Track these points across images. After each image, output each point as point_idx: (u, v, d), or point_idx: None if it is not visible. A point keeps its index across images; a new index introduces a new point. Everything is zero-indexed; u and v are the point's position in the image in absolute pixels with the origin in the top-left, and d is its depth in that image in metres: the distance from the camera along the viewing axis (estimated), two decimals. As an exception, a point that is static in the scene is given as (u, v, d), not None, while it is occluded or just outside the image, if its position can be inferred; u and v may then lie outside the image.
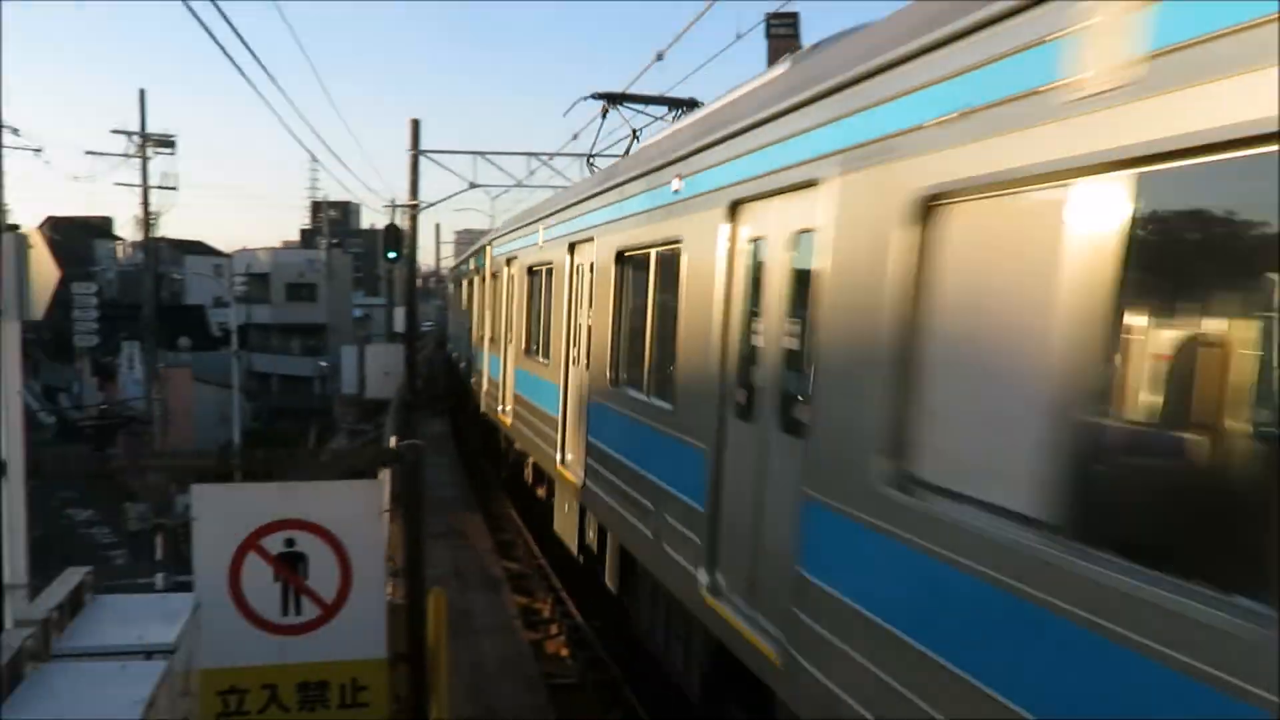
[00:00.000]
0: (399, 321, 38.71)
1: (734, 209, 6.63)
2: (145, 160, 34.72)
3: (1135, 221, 3.30)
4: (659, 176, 8.48)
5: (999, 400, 3.95)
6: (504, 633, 12.26)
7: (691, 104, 16.86)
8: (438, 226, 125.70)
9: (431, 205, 35.59)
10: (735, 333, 6.59)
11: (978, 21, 3.99)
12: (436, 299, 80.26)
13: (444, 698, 5.95)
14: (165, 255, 55.56)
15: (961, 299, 4.17)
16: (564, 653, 13.26)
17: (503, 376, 17.26)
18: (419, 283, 37.35)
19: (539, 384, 13.78)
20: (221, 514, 5.41)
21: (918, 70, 4.46)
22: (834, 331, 5.06)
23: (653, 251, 8.68)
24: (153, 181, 35.36)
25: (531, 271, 15.08)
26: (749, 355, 6.43)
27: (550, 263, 13.43)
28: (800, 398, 5.57)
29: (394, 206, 35.07)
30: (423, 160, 29.84)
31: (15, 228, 4.88)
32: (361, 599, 5.56)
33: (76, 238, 68.23)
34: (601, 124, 19.56)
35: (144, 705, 3.60)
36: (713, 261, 6.85)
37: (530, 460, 15.29)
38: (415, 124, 29.88)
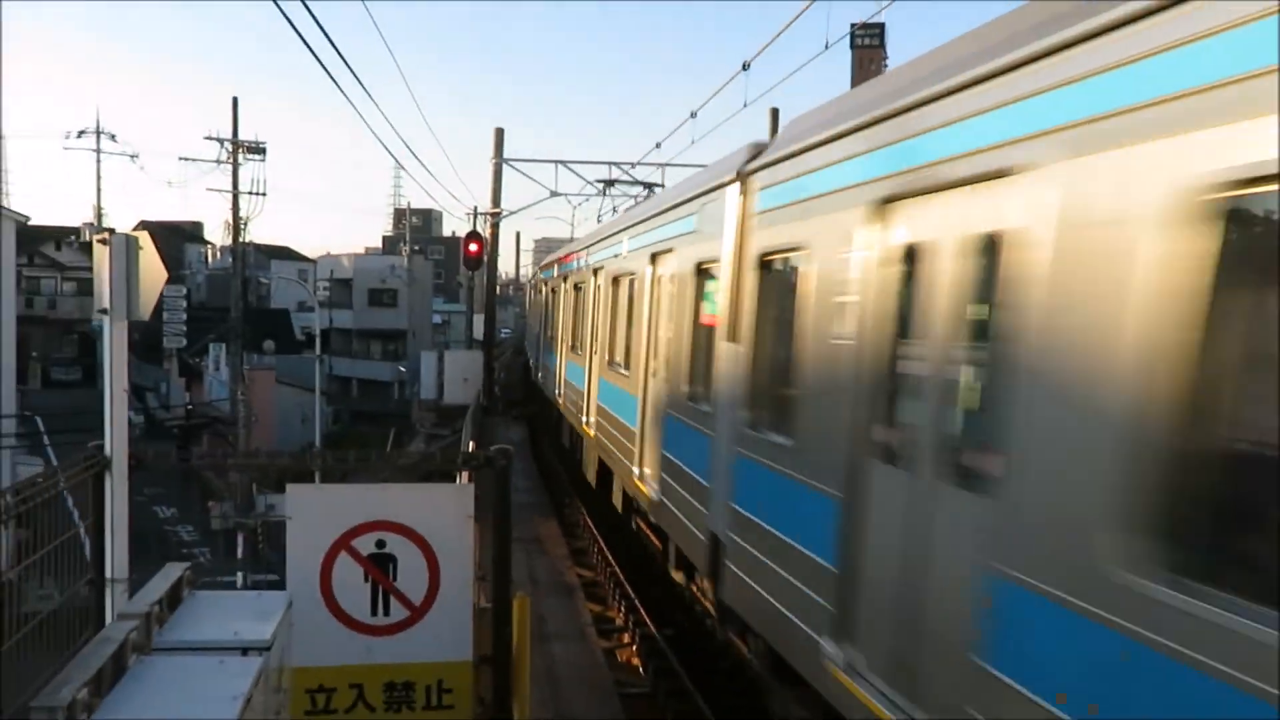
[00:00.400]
0: (478, 328, 39.16)
1: (653, 258, 11.78)
2: (236, 166, 35.54)
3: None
4: (617, 237, 14.92)
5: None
6: (577, 640, 12.28)
7: (657, 186, 26.58)
8: (518, 235, 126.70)
9: (513, 213, 35.97)
10: (654, 330, 11.62)
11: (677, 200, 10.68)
12: (515, 306, 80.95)
13: (526, 702, 5.98)
14: (252, 260, 56.81)
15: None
16: (635, 661, 13.25)
17: (558, 368, 22.46)
18: (498, 290, 37.68)
19: (576, 369, 18.60)
20: (315, 514, 5.49)
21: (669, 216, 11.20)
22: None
23: (626, 278, 13.79)
24: (243, 187, 36.17)
25: (578, 288, 19.79)
26: (659, 341, 11.36)
27: (582, 284, 18.49)
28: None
29: (475, 214, 35.43)
30: (505, 169, 30.16)
31: (110, 231, 5.03)
32: (448, 602, 5.61)
33: (167, 241, 70.05)
34: (603, 198, 30.56)
35: (242, 701, 3.67)
36: (644, 287, 12.14)
37: (570, 425, 20.35)
38: (499, 133, 30.21)
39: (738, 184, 8.06)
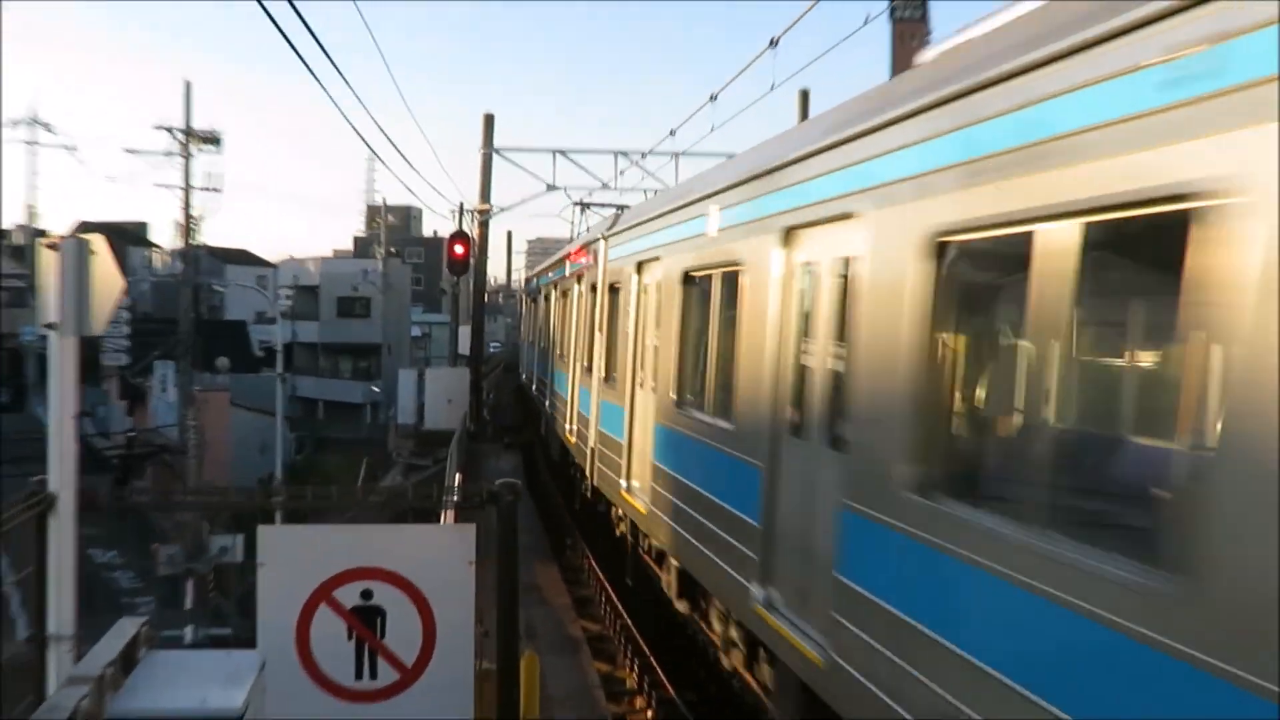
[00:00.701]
0: (464, 342, 39.10)
1: (577, 280, 21.58)
2: (188, 159, 35.64)
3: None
4: (566, 263, 24.46)
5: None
6: (582, 704, 12.20)
7: (626, 208, 27.57)
8: (509, 235, 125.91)
9: (504, 210, 35.91)
10: (573, 333, 21.35)
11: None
12: (507, 316, 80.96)
13: (534, 780, 5.91)
14: (205, 265, 56.91)
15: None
16: (652, 732, 13.14)
17: (535, 360, 32.53)
18: (487, 298, 37.60)
19: (546, 363, 27.77)
20: (291, 560, 5.41)
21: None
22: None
23: (569, 293, 22.40)
24: (196, 182, 36.27)
25: (547, 299, 28.01)
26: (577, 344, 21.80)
27: (550, 295, 27.23)
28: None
29: (461, 211, 35.42)
30: (496, 161, 30.11)
31: (42, 233, 5.00)
32: (445, 662, 5.52)
33: (109, 244, 70.08)
34: (582, 217, 35.45)
35: (214, 780, 3.61)
36: (582, 299, 20.23)
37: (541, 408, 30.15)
38: (489, 119, 30.25)
39: (603, 241, 17.22)
